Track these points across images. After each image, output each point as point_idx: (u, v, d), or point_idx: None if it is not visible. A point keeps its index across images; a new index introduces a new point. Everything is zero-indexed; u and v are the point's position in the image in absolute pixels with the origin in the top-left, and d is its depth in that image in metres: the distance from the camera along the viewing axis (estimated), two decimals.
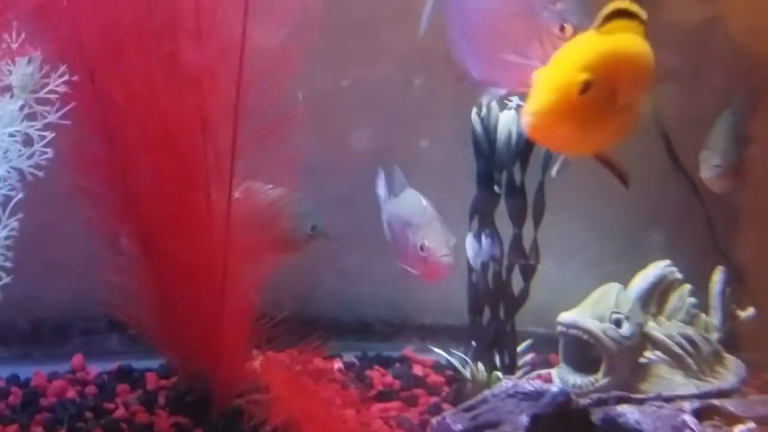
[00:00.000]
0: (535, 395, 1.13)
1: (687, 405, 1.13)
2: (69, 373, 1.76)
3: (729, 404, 1.15)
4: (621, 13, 1.12)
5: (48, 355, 1.82)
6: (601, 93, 1.07)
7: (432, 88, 1.97)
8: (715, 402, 1.15)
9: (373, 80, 1.98)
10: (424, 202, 1.68)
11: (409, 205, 1.69)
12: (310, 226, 1.61)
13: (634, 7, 1.13)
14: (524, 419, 1.09)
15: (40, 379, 1.72)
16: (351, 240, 1.88)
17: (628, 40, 1.12)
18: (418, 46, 1.80)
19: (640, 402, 1.16)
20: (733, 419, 1.12)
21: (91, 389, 1.69)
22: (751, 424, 1.10)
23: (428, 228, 1.62)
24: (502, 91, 1.49)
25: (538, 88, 1.06)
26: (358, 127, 1.98)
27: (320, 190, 1.65)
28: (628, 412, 1.12)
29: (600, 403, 1.16)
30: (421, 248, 1.59)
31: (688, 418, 1.09)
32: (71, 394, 1.67)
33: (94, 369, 1.77)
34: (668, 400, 1.16)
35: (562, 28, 1.29)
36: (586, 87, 1.05)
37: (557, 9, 1.31)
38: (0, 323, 1.77)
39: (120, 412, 1.59)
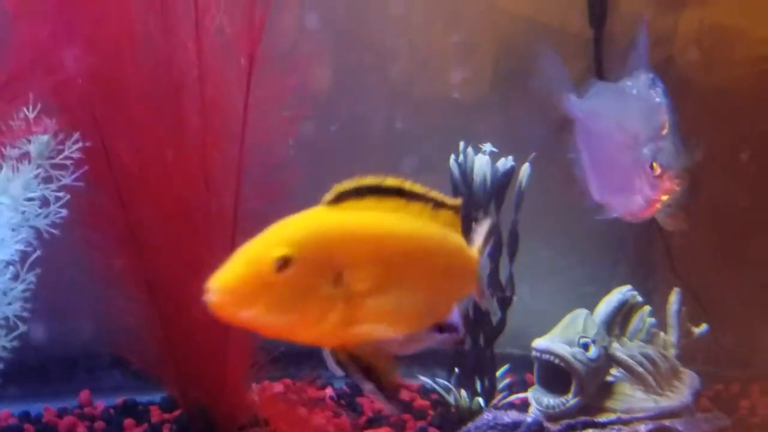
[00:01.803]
0: (512, 426, 1.25)
1: (642, 427, 1.26)
2: (77, 408, 1.84)
3: (678, 424, 1.28)
4: (373, 190, 0.92)
5: (56, 392, 1.90)
6: (307, 273, 0.85)
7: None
8: (666, 422, 1.28)
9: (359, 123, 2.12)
10: None
11: None
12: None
13: (399, 183, 0.93)
14: None
15: (51, 414, 1.81)
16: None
17: (367, 218, 0.91)
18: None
19: (602, 426, 1.28)
20: None
21: (99, 424, 1.78)
22: None
23: None
24: (616, 214, 1.52)
25: (230, 260, 0.84)
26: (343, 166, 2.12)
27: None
28: None
29: (568, 428, 1.29)
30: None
31: None
32: (81, 429, 1.76)
33: (101, 404, 1.86)
34: (626, 422, 1.29)
35: (651, 166, 1.33)
36: (283, 264, 0.83)
37: (656, 146, 1.35)
38: (11, 363, 1.86)
39: None
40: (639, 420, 1.29)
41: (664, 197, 1.37)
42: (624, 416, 1.31)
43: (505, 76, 2.16)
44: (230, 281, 0.83)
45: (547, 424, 1.30)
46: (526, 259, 1.88)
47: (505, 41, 2.16)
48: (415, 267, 0.93)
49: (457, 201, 0.98)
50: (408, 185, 0.93)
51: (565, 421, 1.31)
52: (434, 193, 0.96)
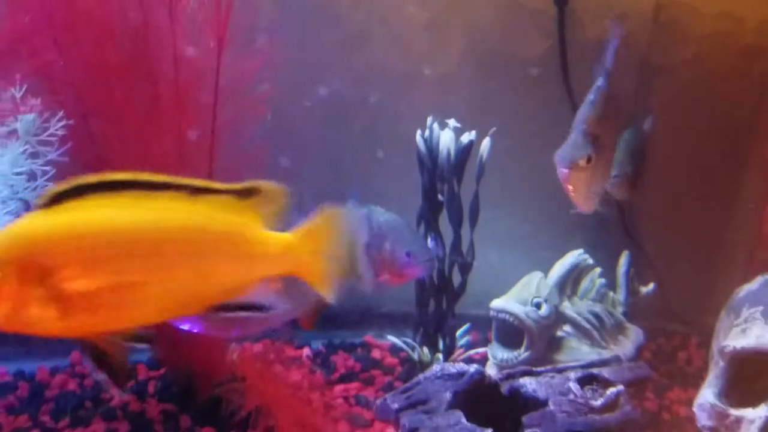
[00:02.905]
0: (457, 375, 1.39)
1: (572, 374, 1.40)
2: (68, 367, 1.96)
3: (605, 372, 1.42)
4: (96, 187, 0.96)
5: (50, 352, 2.00)
6: (11, 276, 0.89)
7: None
8: (594, 371, 1.42)
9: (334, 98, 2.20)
10: (392, 215, 1.79)
11: (375, 220, 1.76)
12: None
13: (132, 177, 0.98)
14: (447, 395, 1.35)
15: (44, 373, 1.94)
16: None
17: (79, 218, 0.92)
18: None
19: (538, 374, 1.42)
20: (608, 384, 1.40)
21: (89, 381, 1.90)
22: (621, 387, 1.38)
23: (409, 236, 1.75)
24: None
25: None
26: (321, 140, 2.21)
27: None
28: (528, 383, 1.39)
29: (508, 377, 1.43)
30: (408, 255, 1.71)
31: (573, 385, 1.37)
32: (72, 386, 1.89)
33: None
34: (560, 371, 1.43)
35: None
36: None
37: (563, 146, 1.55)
38: None
39: (115, 401, 1.81)
40: (571, 369, 1.43)
41: (570, 187, 1.53)
42: (559, 366, 1.46)
43: (473, 52, 2.25)
44: None
45: (488, 374, 1.44)
46: (489, 227, 1.99)
47: (474, 18, 2.23)
48: (153, 256, 0.95)
49: (239, 185, 1.05)
50: (146, 177, 0.98)
51: (506, 371, 1.45)
52: (198, 181, 1.01)
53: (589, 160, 1.52)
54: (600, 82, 1.61)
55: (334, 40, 2.17)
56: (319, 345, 2.19)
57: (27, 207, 1.52)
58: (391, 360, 2.12)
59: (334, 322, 2.31)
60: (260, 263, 1.07)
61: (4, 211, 1.49)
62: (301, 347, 2.18)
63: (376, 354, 2.16)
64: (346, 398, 1.90)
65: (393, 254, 1.70)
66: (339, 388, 1.96)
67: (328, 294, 1.12)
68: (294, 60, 2.03)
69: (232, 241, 1.04)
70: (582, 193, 1.58)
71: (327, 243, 1.11)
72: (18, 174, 1.49)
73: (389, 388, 1.93)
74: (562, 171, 1.53)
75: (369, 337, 2.27)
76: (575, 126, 1.55)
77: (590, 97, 1.58)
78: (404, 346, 2.03)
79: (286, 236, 1.09)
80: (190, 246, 1.00)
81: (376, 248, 1.70)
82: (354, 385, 1.98)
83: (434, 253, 1.91)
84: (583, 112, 1.57)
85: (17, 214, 1.51)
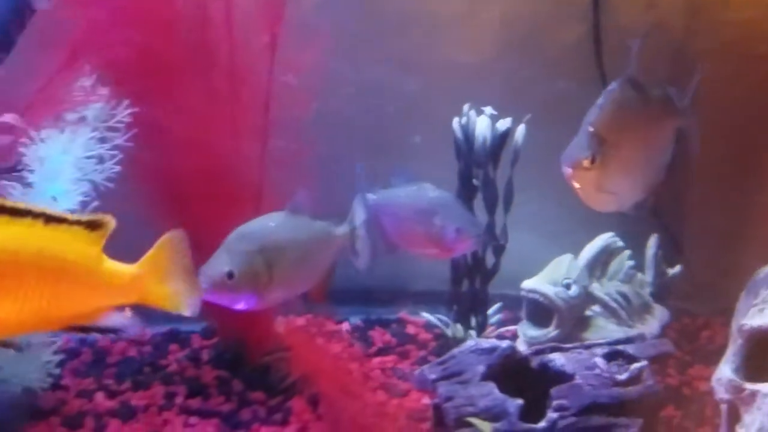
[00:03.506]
0: (490, 350, 1.49)
1: (599, 350, 1.50)
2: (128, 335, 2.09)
3: (630, 348, 1.51)
4: None
5: None
6: None
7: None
8: (620, 347, 1.51)
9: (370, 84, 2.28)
10: (442, 192, 1.85)
11: (425, 195, 1.82)
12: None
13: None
14: (480, 368, 1.45)
15: (105, 340, 2.07)
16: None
17: None
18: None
19: (566, 350, 1.52)
20: (632, 359, 1.48)
21: (147, 348, 2.05)
22: (644, 362, 1.47)
23: (459, 212, 1.79)
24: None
25: None
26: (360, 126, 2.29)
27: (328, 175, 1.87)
28: (556, 359, 1.49)
29: (538, 352, 1.52)
30: (457, 231, 1.75)
31: (599, 360, 1.46)
32: (132, 352, 2.03)
33: (148, 332, 2.12)
34: (587, 347, 1.52)
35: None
36: None
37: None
38: None
39: (173, 367, 1.95)
40: (597, 345, 1.52)
41: (576, 186, 1.61)
42: (586, 343, 1.55)
43: (508, 39, 2.31)
44: None
45: (519, 349, 1.55)
46: (521, 211, 2.06)
47: (509, 5, 2.26)
48: (8, 278, 1.04)
49: (87, 218, 1.12)
50: (6, 203, 1.05)
51: (536, 347, 1.55)
52: (52, 211, 1.09)
53: (593, 161, 1.56)
54: (612, 85, 1.64)
55: (372, 29, 2.23)
56: (356, 320, 2.30)
57: (95, 188, 1.66)
58: (425, 336, 2.21)
59: (371, 299, 2.41)
60: (108, 294, 1.16)
61: (76, 192, 1.63)
62: (340, 322, 2.29)
63: (410, 330, 2.25)
64: (383, 370, 2.00)
65: (442, 230, 1.74)
66: (376, 360, 2.05)
67: (186, 312, 1.22)
68: (332, 49, 2.12)
69: (84, 272, 1.13)
70: (590, 194, 1.62)
71: (170, 269, 1.20)
72: (88, 158, 1.63)
73: (423, 361, 2.02)
74: (565, 170, 1.59)
75: (404, 314, 2.36)
76: (582, 127, 1.60)
77: (600, 100, 1.62)
78: (438, 323, 2.13)
79: (130, 269, 1.18)
80: (45, 272, 1.09)
81: (425, 224, 1.74)
82: (390, 358, 2.07)
83: (482, 230, 1.95)
84: (591, 113, 1.61)
85: (87, 195, 1.65)
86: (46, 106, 1.57)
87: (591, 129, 1.58)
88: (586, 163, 1.55)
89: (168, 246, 1.21)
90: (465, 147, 2.00)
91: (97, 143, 1.63)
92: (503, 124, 1.98)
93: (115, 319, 1.19)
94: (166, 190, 1.76)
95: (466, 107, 2.01)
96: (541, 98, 2.24)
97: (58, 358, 1.73)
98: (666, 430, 1.61)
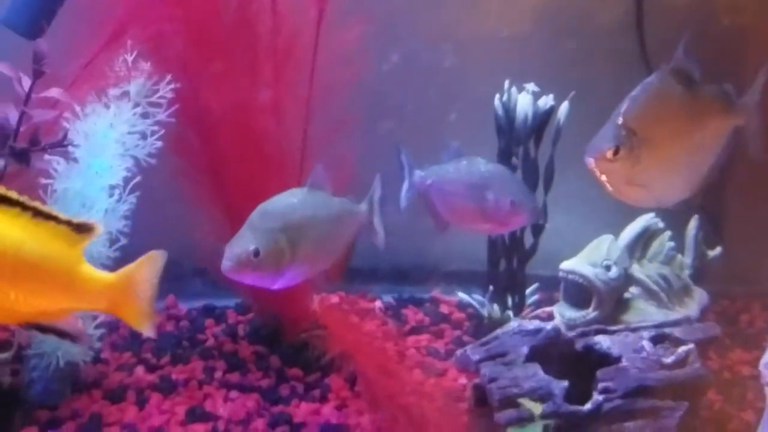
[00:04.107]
0: (534, 332, 1.48)
1: (645, 333, 1.48)
2: (164, 310, 2.12)
3: (677, 331, 1.48)
4: None
5: None
6: None
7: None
8: (667, 330, 1.49)
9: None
10: (495, 165, 1.80)
11: (477, 169, 1.77)
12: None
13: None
14: (525, 349, 1.44)
15: None
16: (386, 200, 2.20)
17: None
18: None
19: (612, 333, 1.50)
20: (679, 343, 1.46)
21: (184, 323, 2.07)
22: (691, 345, 1.45)
23: (513, 185, 1.75)
24: None
25: None
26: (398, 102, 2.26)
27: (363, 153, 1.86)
28: (602, 341, 1.47)
29: (583, 335, 1.51)
30: (512, 203, 1.72)
31: (646, 343, 1.44)
32: (169, 327, 2.06)
33: (184, 307, 2.14)
34: (634, 330, 1.51)
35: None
36: None
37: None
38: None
39: (210, 342, 1.97)
40: (644, 328, 1.50)
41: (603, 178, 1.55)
42: (632, 325, 1.53)
43: (549, 15, 2.26)
44: None
45: (564, 331, 1.53)
46: (561, 190, 2.02)
47: None
48: None
49: (77, 220, 1.12)
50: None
51: (580, 329, 1.54)
52: (42, 206, 1.09)
53: (616, 152, 1.49)
54: (652, 77, 1.57)
55: (410, 3, 2.20)
56: (388, 299, 2.29)
57: (137, 163, 1.67)
58: (458, 315, 2.21)
59: (403, 277, 2.43)
60: (79, 297, 1.16)
61: (120, 167, 1.63)
62: (372, 300, 2.30)
63: (444, 309, 2.25)
64: (417, 349, 2.00)
65: (497, 203, 1.71)
66: (411, 339, 2.06)
67: (146, 331, 1.22)
68: (370, 23, 2.09)
69: (61, 271, 1.13)
70: (619, 186, 1.56)
71: (143, 287, 1.20)
72: (130, 133, 1.63)
73: (459, 341, 2.03)
74: (586, 160, 1.52)
75: (437, 293, 2.36)
76: (611, 117, 1.54)
77: (634, 91, 1.56)
78: (474, 303, 2.12)
79: (107, 277, 1.18)
80: (23, 264, 1.10)
81: (477, 199, 1.70)
82: (424, 337, 2.08)
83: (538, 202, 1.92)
84: (622, 104, 1.55)
85: (129, 170, 1.66)
86: (89, 81, 1.57)
87: (620, 120, 1.51)
88: (609, 154, 1.49)
89: (148, 264, 1.21)
90: (506, 124, 1.97)
91: (139, 119, 1.62)
92: (545, 101, 1.94)
93: (74, 325, 1.19)
94: (207, 167, 1.76)
95: (507, 84, 1.98)
96: (581, 76, 2.20)
97: (98, 332, 1.75)
98: (709, 414, 1.60)
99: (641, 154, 1.52)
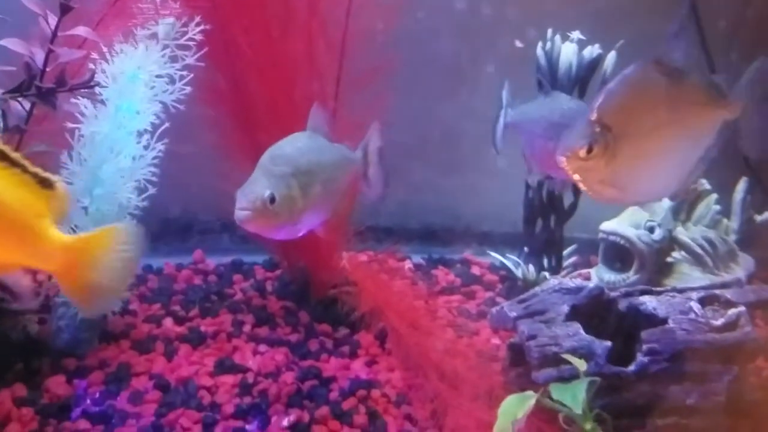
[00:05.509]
0: (575, 290, 1.42)
1: (694, 294, 1.40)
2: (192, 264, 2.11)
3: (727, 293, 1.41)
4: None
5: (174, 250, 2.15)
6: None
7: None
8: (717, 292, 1.42)
9: None
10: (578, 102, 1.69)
11: (558, 107, 1.65)
12: None
13: None
14: (565, 308, 1.38)
15: (170, 268, 2.09)
16: (417, 156, 2.14)
17: None
18: None
19: (658, 293, 1.43)
20: (729, 305, 1.39)
21: (212, 278, 2.05)
22: (742, 308, 1.37)
23: None
24: None
25: None
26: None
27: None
28: (647, 301, 1.40)
29: (627, 295, 1.44)
30: None
31: (694, 305, 1.37)
32: (197, 281, 2.03)
33: (211, 262, 2.12)
34: (681, 291, 1.43)
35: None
36: None
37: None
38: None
39: (239, 297, 1.94)
40: (692, 289, 1.43)
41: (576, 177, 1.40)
42: (679, 286, 1.46)
43: None
44: None
45: (607, 291, 1.46)
46: None
47: None
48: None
49: (43, 174, 1.07)
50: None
51: (624, 289, 1.47)
52: (10, 150, 1.04)
53: (589, 150, 1.34)
54: (630, 68, 1.40)
55: None
56: (418, 259, 2.25)
57: (165, 109, 1.61)
58: (490, 277, 2.16)
59: (433, 237, 2.39)
60: (33, 252, 1.10)
61: (149, 112, 1.58)
62: (402, 260, 2.25)
63: (475, 270, 2.21)
64: (448, 310, 1.96)
65: None
66: (442, 299, 2.01)
67: (82, 309, 1.15)
68: None
69: (20, 221, 1.08)
70: (592, 186, 1.40)
71: (104, 260, 1.12)
72: (159, 77, 1.57)
73: (491, 303, 1.98)
74: (558, 159, 1.37)
75: (468, 254, 2.31)
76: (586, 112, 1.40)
77: (609, 84, 1.41)
78: (508, 263, 2.06)
79: (65, 239, 1.11)
80: None
81: (556, 138, 1.50)
82: (456, 298, 2.04)
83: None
84: (596, 98, 1.39)
85: (157, 116, 1.61)
86: (117, 21, 1.51)
87: (594, 116, 1.35)
88: (582, 152, 1.34)
89: (110, 236, 1.13)
90: (548, 74, 1.88)
91: (167, 62, 1.57)
92: (590, 51, 1.85)
93: (20, 281, 1.16)
94: (237, 115, 1.71)
95: (550, 32, 1.88)
96: (627, 26, 2.09)
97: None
98: (757, 381, 1.52)
99: (617, 151, 1.36)
